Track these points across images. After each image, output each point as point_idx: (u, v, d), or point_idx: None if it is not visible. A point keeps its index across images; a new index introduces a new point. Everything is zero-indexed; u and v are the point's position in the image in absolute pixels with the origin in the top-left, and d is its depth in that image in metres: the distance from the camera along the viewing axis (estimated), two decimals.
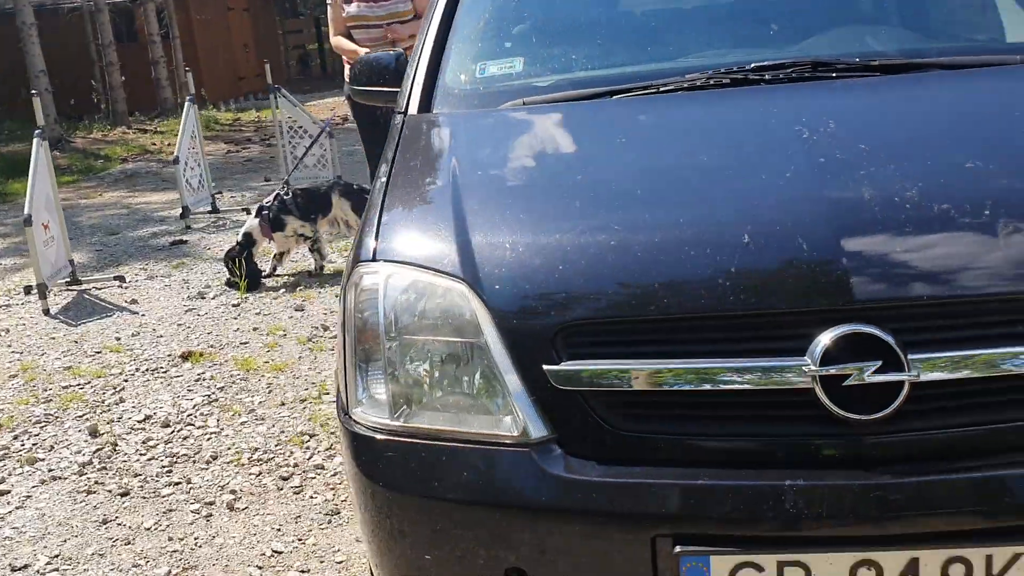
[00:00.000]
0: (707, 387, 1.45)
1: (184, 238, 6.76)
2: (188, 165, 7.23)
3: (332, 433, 3.33)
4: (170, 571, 2.57)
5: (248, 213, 7.45)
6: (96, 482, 3.11)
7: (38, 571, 2.63)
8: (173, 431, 3.47)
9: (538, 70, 2.25)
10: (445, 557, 1.54)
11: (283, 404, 3.64)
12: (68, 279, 5.56)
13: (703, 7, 2.53)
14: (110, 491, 3.04)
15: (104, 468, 3.22)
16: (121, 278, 5.66)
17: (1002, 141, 1.71)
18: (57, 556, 2.69)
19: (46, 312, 5.07)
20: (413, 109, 2.17)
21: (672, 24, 2.43)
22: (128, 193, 9.31)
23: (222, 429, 3.46)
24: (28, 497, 3.06)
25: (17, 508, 2.99)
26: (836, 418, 1.40)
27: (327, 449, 3.22)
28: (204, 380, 3.95)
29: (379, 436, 1.61)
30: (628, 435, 1.48)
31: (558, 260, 1.58)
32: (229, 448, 3.29)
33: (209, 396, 3.77)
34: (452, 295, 1.61)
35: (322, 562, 2.55)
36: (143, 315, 4.99)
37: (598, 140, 1.90)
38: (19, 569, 2.64)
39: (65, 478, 3.17)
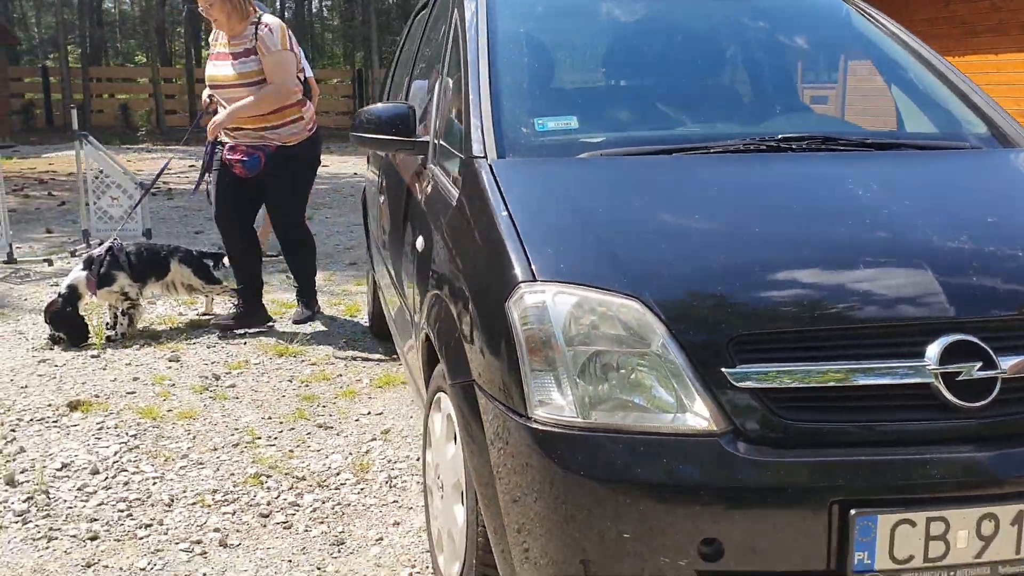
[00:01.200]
0: (853, 383, 1.81)
1: None
2: None
3: (287, 474, 3.33)
4: None
5: (49, 264, 7.01)
6: (51, 528, 2.92)
7: None
8: (107, 477, 3.30)
9: (591, 128, 2.57)
10: (643, 533, 1.77)
11: (216, 449, 3.57)
12: None
13: (709, 81, 2.99)
14: (75, 536, 2.87)
15: (49, 515, 3.01)
16: None
17: (996, 201, 2.26)
18: None
19: None
20: (491, 154, 2.40)
21: (690, 93, 2.86)
22: None
23: (163, 474, 3.34)
24: None
25: None
26: (951, 406, 1.82)
27: (291, 488, 3.23)
28: (108, 429, 3.76)
29: (572, 432, 1.82)
30: (793, 424, 1.80)
31: (717, 282, 1.91)
32: (184, 491, 3.20)
33: (126, 444, 3.60)
34: (627, 311, 1.87)
35: None
36: None
37: (695, 185, 2.25)
38: None
39: (5, 527, 2.94)
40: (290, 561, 2.74)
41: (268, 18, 4.82)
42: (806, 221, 2.12)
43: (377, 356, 4.76)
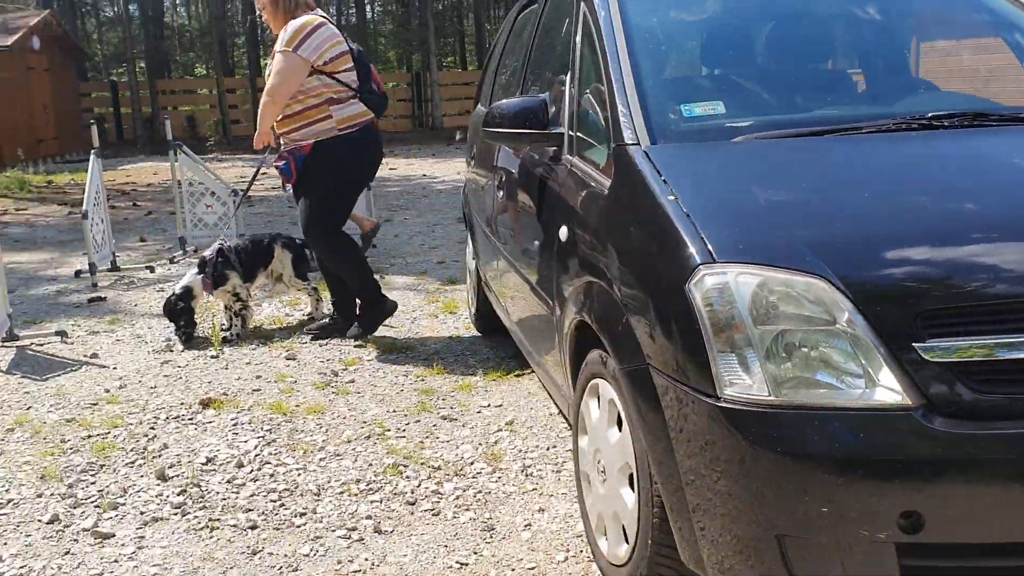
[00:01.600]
0: None
1: (101, 295, 6.43)
2: (93, 221, 6.90)
3: (423, 464, 3.41)
4: None
5: (151, 271, 7.22)
6: (211, 519, 3.03)
7: None
8: (253, 470, 3.41)
9: (737, 112, 2.59)
10: (841, 507, 1.79)
11: (349, 441, 3.66)
12: (5, 335, 5.19)
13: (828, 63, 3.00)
14: (235, 526, 2.98)
15: (205, 507, 3.13)
16: (63, 333, 5.34)
17: None
18: None
19: None
20: (644, 141, 2.44)
21: (825, 74, 2.87)
22: None
23: (304, 466, 3.44)
24: (140, 539, 2.93)
25: (139, 548, 2.87)
26: None
27: (429, 477, 3.31)
28: (243, 424, 3.88)
29: (764, 411, 1.85)
30: (988, 397, 1.81)
31: (900, 257, 1.93)
32: (328, 481, 3.29)
33: (263, 438, 3.71)
34: (813, 289, 1.89)
35: (513, 570, 2.67)
36: (115, 368, 4.76)
37: (857, 164, 2.27)
38: None
39: (166, 519, 3.06)
40: (446, 546, 2.81)
41: (295, 20, 4.63)
42: (977, 196, 2.13)
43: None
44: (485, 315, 4.89)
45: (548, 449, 3.52)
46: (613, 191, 2.46)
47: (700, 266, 1.99)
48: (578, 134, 2.86)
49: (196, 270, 5.23)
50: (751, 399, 1.87)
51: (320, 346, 5.00)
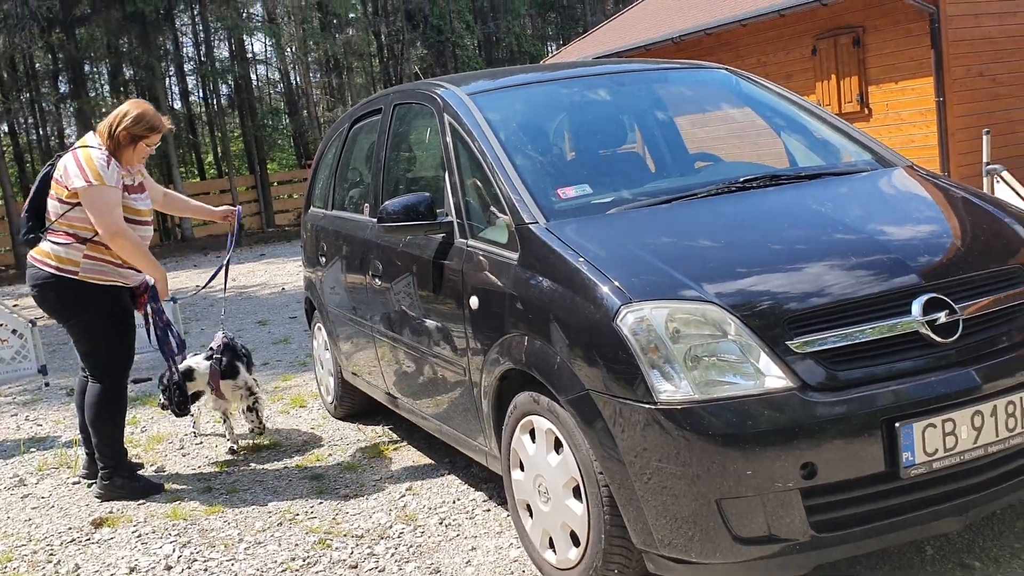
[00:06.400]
0: (872, 337, 2.56)
1: None
2: None
3: (346, 535, 3.73)
4: None
5: None
6: None
7: None
8: (184, 569, 3.57)
9: (601, 191, 3.25)
10: (761, 468, 2.42)
11: (265, 530, 3.89)
12: None
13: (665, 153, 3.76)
14: None
15: None
16: None
17: (912, 203, 3.13)
18: None
19: None
20: (541, 220, 3.03)
21: (652, 155, 3.61)
22: None
23: (233, 557, 3.64)
24: None
25: None
26: (935, 343, 2.59)
27: (358, 545, 3.63)
28: (148, 534, 3.98)
29: (692, 407, 2.46)
30: (842, 372, 2.52)
31: (764, 282, 2.63)
32: (264, 565, 3.52)
33: (176, 541, 3.85)
34: (709, 312, 2.55)
35: None
36: None
37: (707, 218, 2.99)
38: None
39: None
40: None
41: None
42: (801, 231, 2.90)
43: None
44: (347, 402, 5.23)
45: (454, 503, 3.94)
46: (523, 262, 3.01)
47: (622, 306, 2.59)
48: (469, 222, 3.40)
49: (204, 357, 4.91)
50: (680, 399, 2.47)
51: (182, 454, 5.11)
